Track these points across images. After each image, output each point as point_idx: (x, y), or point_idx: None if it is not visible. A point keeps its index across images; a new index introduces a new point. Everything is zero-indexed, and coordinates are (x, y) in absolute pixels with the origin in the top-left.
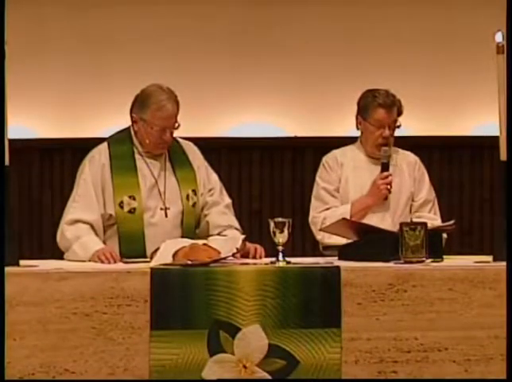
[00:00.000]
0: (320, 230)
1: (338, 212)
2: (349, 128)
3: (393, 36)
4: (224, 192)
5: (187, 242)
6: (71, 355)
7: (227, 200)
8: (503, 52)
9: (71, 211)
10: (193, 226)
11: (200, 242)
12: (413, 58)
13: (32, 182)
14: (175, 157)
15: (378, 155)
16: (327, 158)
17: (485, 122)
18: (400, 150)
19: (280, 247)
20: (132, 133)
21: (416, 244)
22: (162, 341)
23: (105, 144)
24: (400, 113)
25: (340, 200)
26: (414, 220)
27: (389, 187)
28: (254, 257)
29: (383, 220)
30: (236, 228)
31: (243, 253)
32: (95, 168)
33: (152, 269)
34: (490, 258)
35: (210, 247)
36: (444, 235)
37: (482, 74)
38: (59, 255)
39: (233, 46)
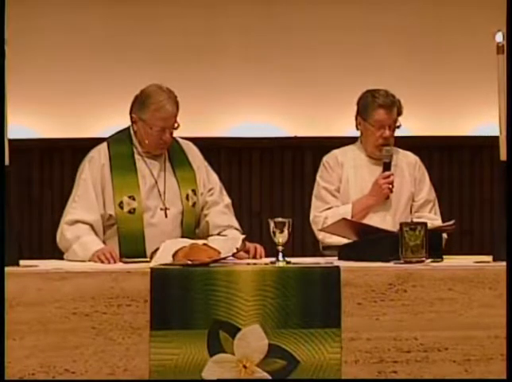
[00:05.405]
0: (320, 230)
1: (339, 212)
2: (349, 128)
3: (393, 36)
4: (224, 192)
5: (187, 242)
6: (71, 355)
7: (227, 200)
8: (503, 52)
9: (71, 211)
10: (193, 226)
11: (200, 242)
12: (413, 58)
13: (32, 182)
14: (174, 157)
15: (378, 155)
16: (328, 158)
17: (485, 122)
18: (400, 150)
19: (280, 247)
20: (132, 133)
21: (416, 244)
22: (162, 341)
23: (104, 144)
24: (400, 113)
25: (341, 200)
26: (414, 220)
27: (390, 186)
28: (255, 257)
29: (384, 221)
30: (236, 228)
31: (243, 253)
32: (94, 168)
33: (152, 269)
34: (490, 258)
35: (210, 247)
36: (444, 236)
37: (482, 74)
38: (59, 255)
39: (233, 46)
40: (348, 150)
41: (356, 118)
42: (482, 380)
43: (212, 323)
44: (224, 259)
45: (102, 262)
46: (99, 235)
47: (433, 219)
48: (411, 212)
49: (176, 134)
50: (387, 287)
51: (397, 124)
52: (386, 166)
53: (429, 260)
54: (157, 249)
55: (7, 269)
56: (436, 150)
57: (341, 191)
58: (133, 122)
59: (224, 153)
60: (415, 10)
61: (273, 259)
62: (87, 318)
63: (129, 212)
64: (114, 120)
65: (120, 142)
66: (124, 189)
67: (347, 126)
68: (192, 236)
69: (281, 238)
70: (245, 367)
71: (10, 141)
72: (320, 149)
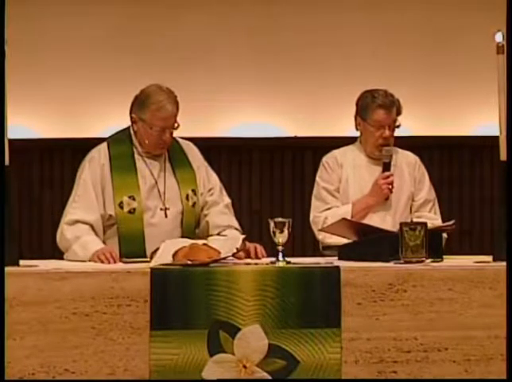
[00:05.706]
0: (320, 230)
1: (339, 212)
2: (349, 128)
3: (393, 36)
4: (224, 192)
5: (187, 242)
6: (71, 355)
7: (227, 199)
8: (503, 52)
9: (71, 211)
10: (193, 226)
11: (200, 242)
12: (413, 58)
13: (32, 182)
14: (174, 157)
15: (378, 156)
16: (327, 158)
17: (485, 122)
18: (400, 150)
19: (280, 247)
20: (132, 133)
21: (416, 244)
22: (162, 341)
23: (104, 144)
24: (399, 113)
25: (340, 201)
26: (414, 219)
27: (390, 187)
28: (255, 256)
29: (384, 221)
30: (236, 228)
31: (243, 253)
32: (94, 168)
33: (152, 269)
34: (490, 258)
35: (210, 247)
36: (444, 235)
37: (482, 74)
38: (59, 255)
39: (234, 47)
40: (348, 150)
41: (355, 119)
42: (482, 380)
43: (212, 323)
44: (224, 259)
45: (102, 262)
46: (99, 235)
47: (433, 218)
48: (411, 211)
49: (176, 134)
50: (387, 287)
51: (397, 124)
52: (386, 166)
53: (429, 260)
54: (157, 249)
55: (7, 269)
56: (436, 149)
57: (341, 191)
58: (133, 122)
59: (224, 153)
60: (415, 11)
61: (273, 259)
62: (87, 318)
63: (130, 212)
64: (114, 120)
65: (120, 142)
66: (124, 189)
67: (347, 126)
68: (192, 236)
69: (281, 238)
70: (245, 367)
71: (10, 141)
72: (320, 149)
